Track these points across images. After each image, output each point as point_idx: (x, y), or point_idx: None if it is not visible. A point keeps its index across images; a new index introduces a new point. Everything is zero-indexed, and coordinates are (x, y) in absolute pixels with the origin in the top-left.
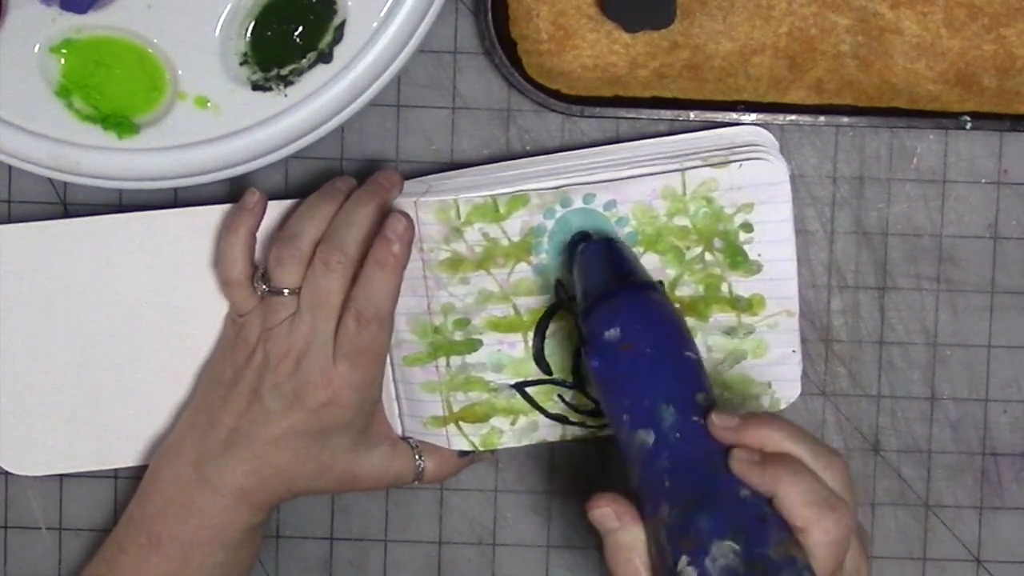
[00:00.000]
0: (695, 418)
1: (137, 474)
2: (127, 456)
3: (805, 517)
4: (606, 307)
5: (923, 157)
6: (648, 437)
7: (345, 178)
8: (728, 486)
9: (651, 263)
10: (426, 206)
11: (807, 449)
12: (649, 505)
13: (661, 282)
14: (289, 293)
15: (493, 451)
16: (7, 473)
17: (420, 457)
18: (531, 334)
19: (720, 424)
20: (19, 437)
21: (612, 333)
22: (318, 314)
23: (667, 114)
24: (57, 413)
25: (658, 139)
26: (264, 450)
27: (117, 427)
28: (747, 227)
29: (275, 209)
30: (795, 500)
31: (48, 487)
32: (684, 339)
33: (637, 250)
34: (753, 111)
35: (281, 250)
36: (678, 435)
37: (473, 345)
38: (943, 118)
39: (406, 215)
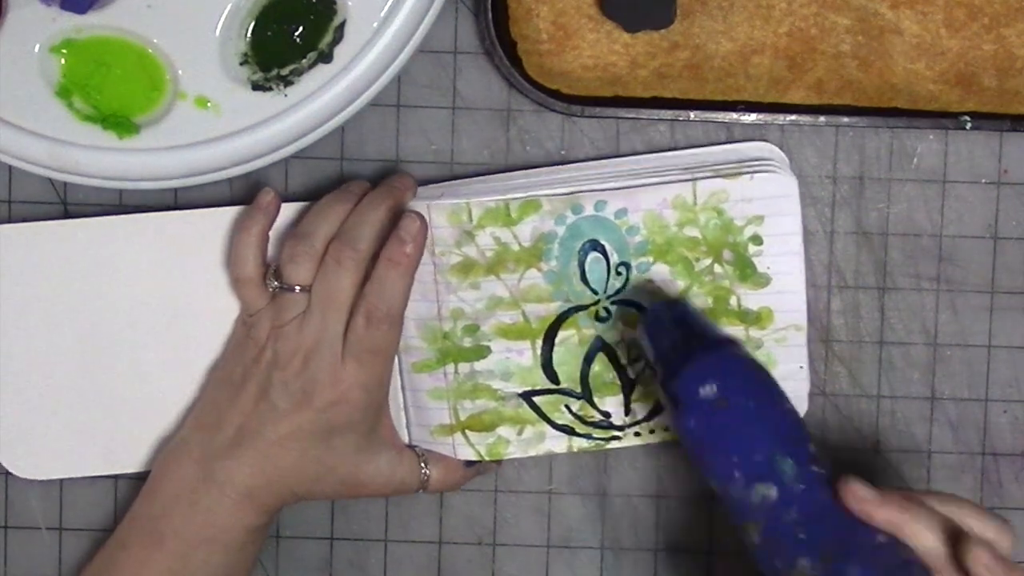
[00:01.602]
0: (814, 468)
1: (138, 475)
2: (131, 462)
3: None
4: (696, 366)
5: (923, 157)
6: (770, 491)
7: (359, 182)
8: (864, 534)
9: (661, 274)
10: (439, 209)
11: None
12: (779, 559)
13: (737, 339)
14: (300, 290)
15: (499, 461)
16: (8, 473)
17: (426, 466)
18: (539, 342)
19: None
20: (21, 440)
21: (707, 391)
22: (328, 312)
23: (667, 114)
24: (59, 417)
25: (670, 152)
26: (270, 449)
27: (120, 432)
28: (757, 240)
29: (287, 211)
30: (927, 537)
31: (49, 488)
32: (781, 392)
33: (647, 260)
34: (753, 111)
35: (294, 247)
36: (802, 487)
37: (482, 352)
38: (943, 118)
39: (420, 216)
